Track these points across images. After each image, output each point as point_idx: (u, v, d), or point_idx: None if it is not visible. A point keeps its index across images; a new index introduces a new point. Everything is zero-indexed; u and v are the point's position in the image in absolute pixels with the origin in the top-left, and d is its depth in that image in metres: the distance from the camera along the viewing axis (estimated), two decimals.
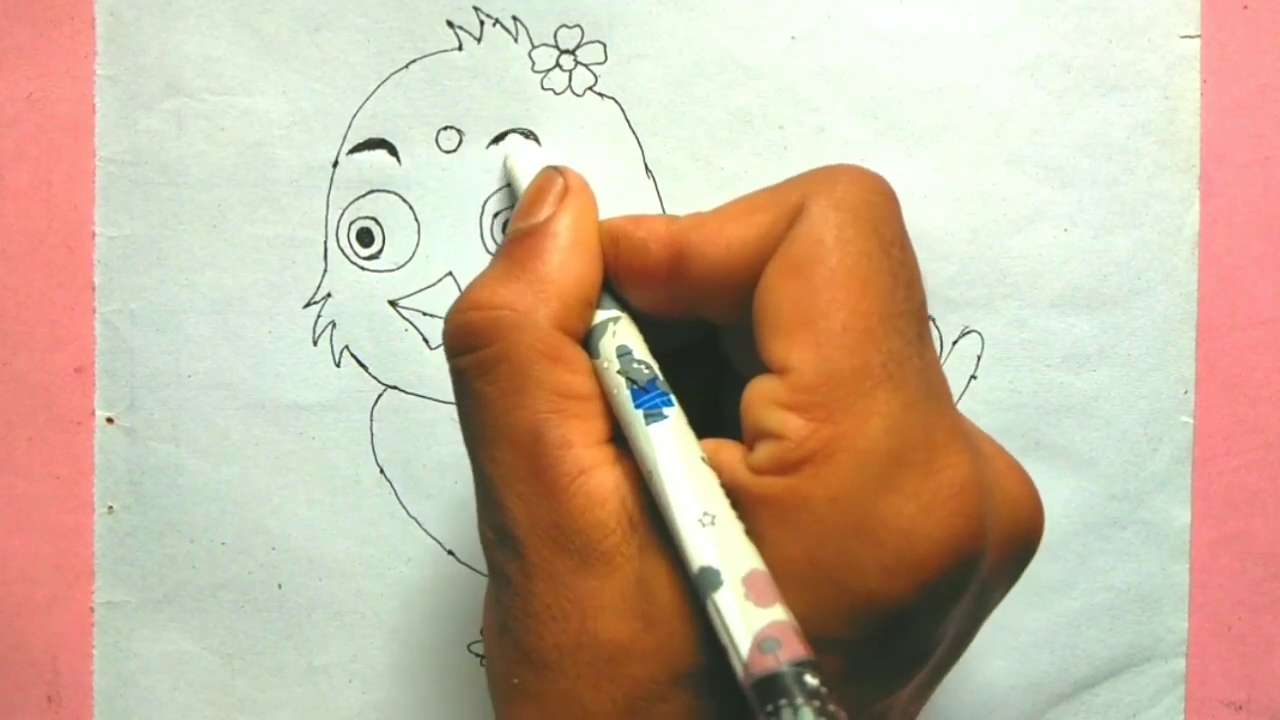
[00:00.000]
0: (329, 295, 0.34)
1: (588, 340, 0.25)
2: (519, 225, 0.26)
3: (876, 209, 0.23)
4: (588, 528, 0.23)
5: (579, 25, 0.33)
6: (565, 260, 0.25)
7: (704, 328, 0.27)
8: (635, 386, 0.24)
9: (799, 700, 0.19)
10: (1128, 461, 0.34)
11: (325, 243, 0.34)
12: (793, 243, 0.23)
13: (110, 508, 0.34)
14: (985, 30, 0.34)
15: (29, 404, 0.34)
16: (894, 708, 0.23)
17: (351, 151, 0.34)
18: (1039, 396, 0.34)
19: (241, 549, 0.34)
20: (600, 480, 0.23)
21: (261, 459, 0.34)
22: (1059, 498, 0.34)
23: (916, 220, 0.34)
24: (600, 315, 0.25)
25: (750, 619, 0.20)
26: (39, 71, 0.34)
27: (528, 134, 0.33)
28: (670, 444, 0.22)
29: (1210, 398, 0.35)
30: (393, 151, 0.34)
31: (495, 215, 0.34)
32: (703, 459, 0.23)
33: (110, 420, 0.34)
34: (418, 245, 0.34)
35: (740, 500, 0.22)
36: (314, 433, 0.34)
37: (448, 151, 0.34)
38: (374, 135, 0.34)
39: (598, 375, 0.25)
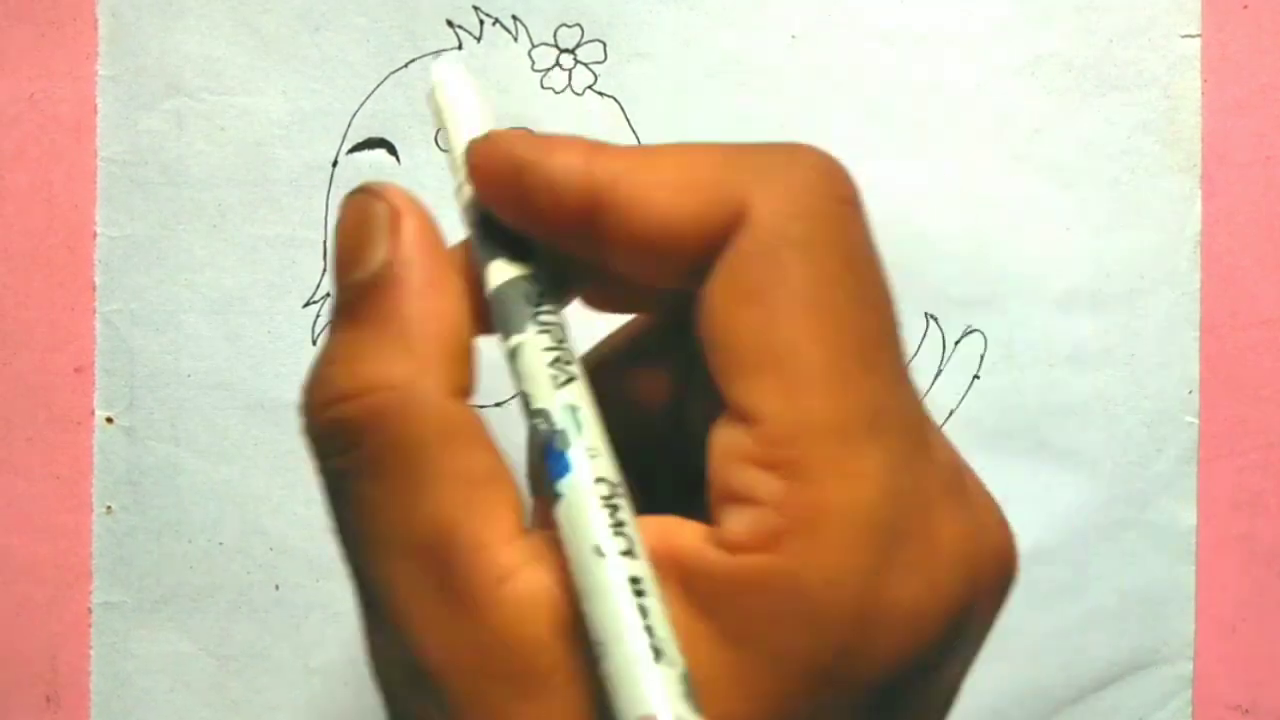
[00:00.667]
0: (329, 295, 0.34)
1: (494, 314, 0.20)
2: (352, 278, 0.20)
3: (839, 218, 0.19)
4: (520, 645, 0.18)
5: (579, 24, 0.33)
6: (427, 307, 0.20)
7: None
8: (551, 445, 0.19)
9: None
10: (1132, 462, 0.34)
11: (325, 243, 0.34)
12: (744, 260, 0.19)
13: (109, 508, 0.34)
14: (985, 30, 0.34)
15: (29, 403, 0.34)
16: None
17: (351, 151, 0.34)
18: (1042, 396, 0.34)
19: (240, 549, 0.34)
20: (526, 583, 0.18)
21: (261, 459, 0.34)
22: (1063, 499, 0.34)
23: (917, 220, 0.34)
24: (501, 272, 0.20)
25: None
26: (40, 72, 0.34)
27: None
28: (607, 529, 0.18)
29: (1214, 397, 0.34)
30: (392, 151, 0.34)
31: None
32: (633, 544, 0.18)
33: (110, 420, 0.34)
34: None
35: (709, 588, 0.18)
36: None
37: (447, 151, 0.34)
38: (374, 135, 0.34)
39: (509, 368, 0.20)
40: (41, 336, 0.34)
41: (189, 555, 0.34)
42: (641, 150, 0.20)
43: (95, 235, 0.34)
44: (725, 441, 0.19)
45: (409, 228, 0.20)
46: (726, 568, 0.18)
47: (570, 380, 0.19)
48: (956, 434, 0.34)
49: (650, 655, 0.17)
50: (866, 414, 0.18)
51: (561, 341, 0.20)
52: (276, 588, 0.34)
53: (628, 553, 0.18)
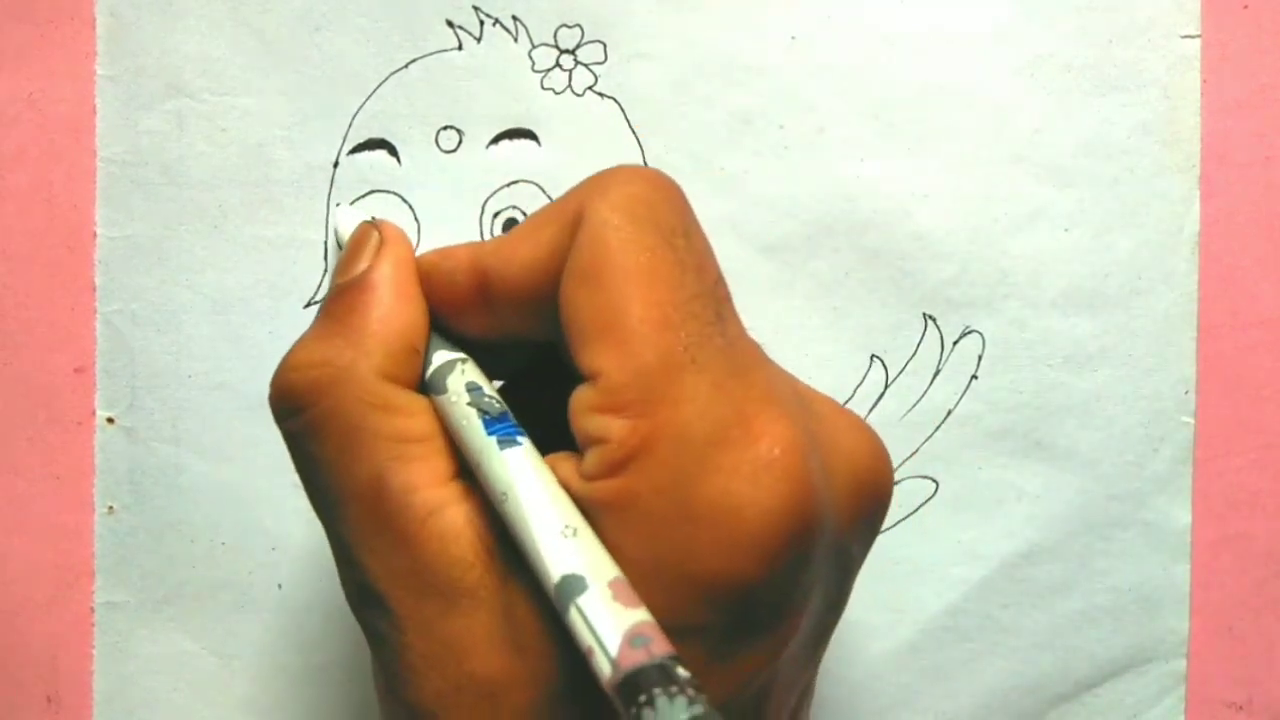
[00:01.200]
0: None
1: (431, 380, 0.25)
2: (338, 281, 0.26)
3: (653, 204, 0.23)
4: (447, 567, 0.22)
5: (579, 25, 0.33)
6: (386, 311, 0.25)
7: (539, 348, 0.28)
8: (487, 417, 0.23)
9: (673, 689, 0.19)
10: (1128, 462, 0.34)
11: (326, 243, 0.34)
12: (578, 251, 0.23)
13: (110, 508, 0.34)
14: (985, 30, 0.34)
15: (29, 404, 0.34)
16: (776, 682, 0.23)
17: (352, 152, 0.34)
18: (1040, 396, 0.34)
19: (241, 549, 0.34)
20: (452, 517, 0.23)
21: (261, 459, 0.34)
22: (1060, 498, 0.34)
23: (917, 220, 0.34)
24: (445, 356, 0.25)
25: (619, 618, 0.20)
26: (39, 72, 0.34)
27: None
28: (526, 466, 0.22)
29: (1211, 398, 0.35)
30: (393, 152, 0.34)
31: (495, 215, 0.34)
32: (555, 482, 0.23)
33: (111, 420, 0.34)
34: (418, 245, 0.34)
35: (580, 511, 0.22)
36: None
37: (448, 151, 0.34)
38: (374, 135, 0.34)
39: (441, 412, 0.24)
40: (42, 337, 0.34)
41: (191, 555, 0.34)
42: (507, 234, 0.25)
43: (95, 235, 0.34)
44: (578, 399, 0.22)
45: (391, 253, 0.26)
46: (583, 491, 0.22)
47: (474, 387, 0.25)
48: (954, 434, 0.34)
49: (567, 529, 0.21)
50: (688, 350, 0.22)
51: (475, 387, 0.25)
52: (279, 587, 0.34)
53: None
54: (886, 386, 0.34)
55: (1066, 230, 0.34)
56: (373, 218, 0.28)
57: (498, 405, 0.24)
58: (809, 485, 0.21)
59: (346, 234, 0.30)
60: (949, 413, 0.34)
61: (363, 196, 0.34)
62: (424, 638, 0.22)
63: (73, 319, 0.34)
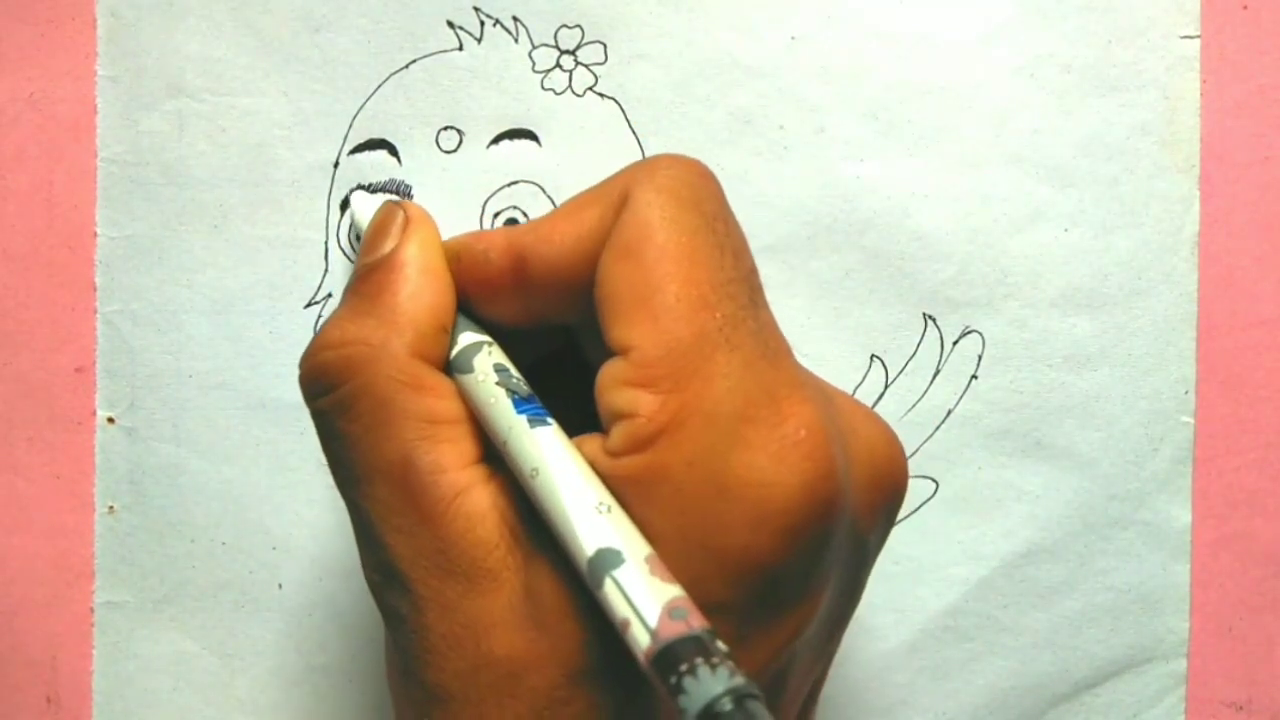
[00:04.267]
0: (330, 296, 0.34)
1: (457, 360, 0.25)
2: (364, 261, 0.26)
3: (696, 189, 0.24)
4: (470, 548, 0.23)
5: (579, 25, 0.33)
6: (415, 289, 0.25)
7: (562, 335, 0.28)
8: (516, 397, 0.24)
9: (715, 659, 0.19)
10: (1128, 462, 0.34)
11: (326, 243, 0.34)
12: (621, 228, 0.23)
13: (111, 507, 0.34)
14: (985, 30, 0.34)
15: (30, 404, 0.34)
16: (792, 669, 0.23)
17: (353, 152, 0.34)
18: (1040, 396, 0.34)
19: (242, 549, 0.34)
20: (477, 499, 0.23)
21: (262, 459, 0.34)
22: (1060, 498, 0.34)
23: (917, 220, 0.34)
24: (471, 337, 0.25)
25: (657, 591, 0.20)
26: (40, 72, 0.34)
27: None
28: (557, 444, 0.23)
29: (1210, 398, 0.35)
30: (393, 152, 0.34)
31: (496, 215, 0.34)
32: (584, 461, 0.23)
33: (111, 420, 0.34)
34: None
35: (606, 488, 0.22)
36: (315, 433, 0.34)
37: (448, 152, 0.34)
38: (374, 135, 0.34)
39: (467, 393, 0.25)
40: (42, 337, 0.34)
41: (191, 555, 0.34)
42: (543, 216, 0.25)
43: (95, 235, 0.34)
44: (607, 373, 0.23)
45: (417, 232, 0.26)
46: (611, 469, 0.22)
47: (502, 368, 0.25)
48: (954, 434, 0.34)
49: (600, 506, 0.21)
50: (722, 329, 0.22)
51: (503, 368, 0.25)
52: (279, 586, 0.34)
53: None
54: (886, 386, 0.34)
55: (1066, 230, 0.34)
56: (397, 198, 0.28)
57: (525, 387, 0.24)
58: (832, 467, 0.22)
59: (365, 219, 0.30)
60: (949, 413, 0.34)
61: None
62: (445, 618, 0.23)
63: (73, 319, 0.34)
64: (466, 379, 0.25)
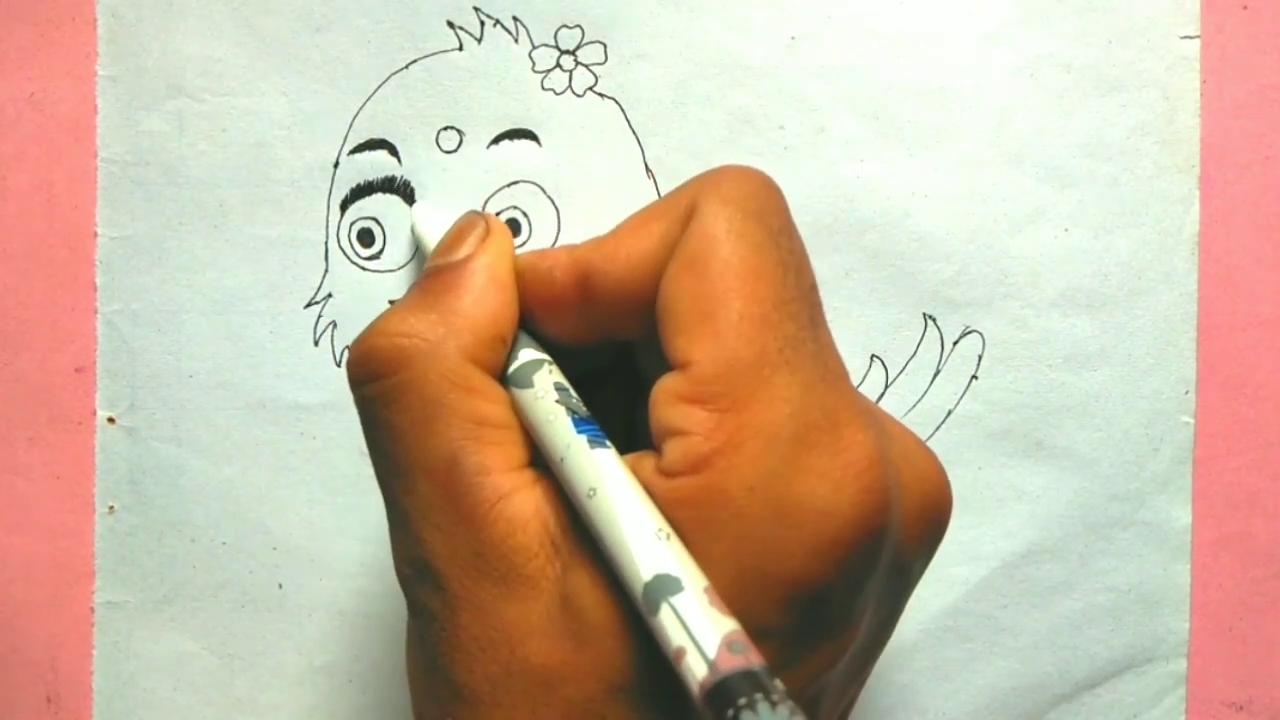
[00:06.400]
0: (330, 295, 0.34)
1: (517, 375, 0.25)
2: (437, 262, 0.26)
3: (762, 201, 0.24)
4: (510, 553, 0.22)
5: (579, 25, 0.33)
6: (480, 296, 0.25)
7: (616, 350, 0.28)
8: (576, 416, 0.24)
9: (775, 697, 0.19)
10: (1128, 462, 0.34)
11: (326, 243, 0.34)
12: (687, 241, 0.23)
13: (111, 507, 0.34)
14: (985, 30, 0.34)
15: (30, 404, 0.34)
16: (826, 693, 0.23)
17: (353, 152, 0.34)
18: (1040, 396, 0.34)
19: (242, 549, 0.34)
20: (520, 504, 0.23)
21: (262, 459, 0.34)
22: (1060, 498, 0.34)
23: (917, 220, 0.34)
24: (531, 354, 0.25)
25: (716, 623, 0.20)
26: (40, 72, 0.34)
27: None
28: (616, 467, 0.22)
29: (1211, 398, 0.35)
30: (393, 152, 0.34)
31: (496, 215, 0.34)
32: (642, 488, 0.22)
33: (111, 420, 0.34)
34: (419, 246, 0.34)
35: (659, 510, 0.22)
36: (315, 432, 0.34)
37: (448, 152, 0.34)
38: (375, 136, 0.34)
39: (524, 408, 0.24)
40: (42, 337, 0.34)
41: (191, 555, 0.34)
42: (607, 232, 0.25)
43: (95, 235, 0.34)
44: (663, 387, 0.22)
45: (494, 244, 0.26)
46: (665, 490, 0.22)
47: (562, 387, 0.25)
48: (954, 434, 0.34)
49: (660, 532, 0.21)
50: (784, 350, 0.22)
51: (563, 387, 0.25)
52: (280, 587, 0.34)
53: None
54: (886, 386, 0.34)
55: (1066, 230, 0.34)
56: (482, 212, 0.29)
57: (584, 409, 0.24)
58: (885, 497, 0.22)
59: (425, 229, 0.31)
60: (949, 413, 0.34)
61: (364, 197, 0.34)
62: (478, 620, 0.22)
63: (73, 319, 0.34)
64: (525, 393, 0.25)
